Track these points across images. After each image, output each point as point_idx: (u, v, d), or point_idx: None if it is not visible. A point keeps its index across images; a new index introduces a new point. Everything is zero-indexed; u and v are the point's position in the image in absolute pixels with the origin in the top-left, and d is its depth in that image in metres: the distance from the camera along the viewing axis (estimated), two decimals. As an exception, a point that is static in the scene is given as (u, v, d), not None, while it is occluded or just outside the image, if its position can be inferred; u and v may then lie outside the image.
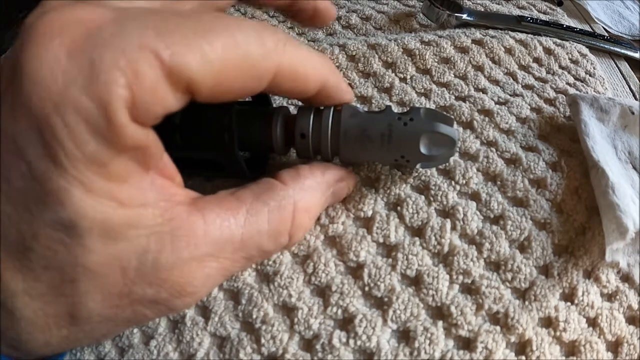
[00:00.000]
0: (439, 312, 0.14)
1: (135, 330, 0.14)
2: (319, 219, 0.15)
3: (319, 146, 0.14)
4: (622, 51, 0.23)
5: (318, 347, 0.13)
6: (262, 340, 0.13)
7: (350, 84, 0.19)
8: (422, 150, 0.14)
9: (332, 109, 0.14)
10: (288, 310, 0.14)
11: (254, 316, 0.14)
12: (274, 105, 0.17)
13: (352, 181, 0.15)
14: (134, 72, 0.08)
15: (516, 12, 0.25)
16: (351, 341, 0.13)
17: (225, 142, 0.14)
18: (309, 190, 0.13)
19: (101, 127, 0.08)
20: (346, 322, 0.13)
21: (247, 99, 0.18)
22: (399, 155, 0.14)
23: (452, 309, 0.14)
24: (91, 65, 0.08)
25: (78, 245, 0.09)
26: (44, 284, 0.09)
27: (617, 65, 0.23)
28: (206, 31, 0.09)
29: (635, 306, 0.14)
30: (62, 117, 0.08)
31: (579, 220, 0.15)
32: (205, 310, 0.14)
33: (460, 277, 0.14)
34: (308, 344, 0.13)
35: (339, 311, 0.14)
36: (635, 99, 0.21)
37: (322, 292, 0.14)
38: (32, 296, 0.09)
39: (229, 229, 0.11)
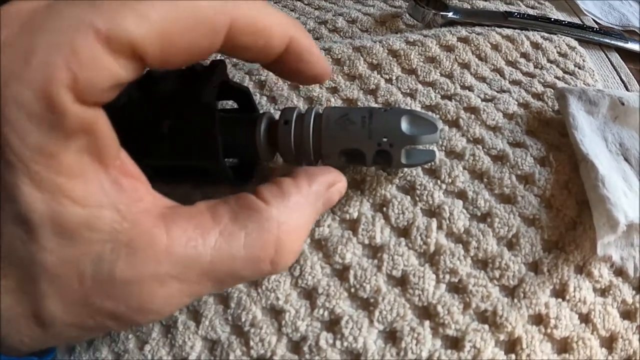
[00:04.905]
0: (426, 312, 0.14)
1: (130, 336, 0.14)
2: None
3: (301, 136, 0.14)
4: (612, 42, 0.23)
5: (306, 348, 0.13)
6: (251, 343, 0.13)
7: (335, 87, 0.20)
8: (404, 129, 0.14)
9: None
10: (276, 313, 0.14)
11: (243, 319, 0.14)
12: (260, 112, 0.17)
13: (342, 183, 0.14)
14: (69, 48, 0.08)
15: (503, 8, 0.25)
16: (338, 342, 0.13)
17: (209, 148, 0.14)
18: (295, 207, 0.11)
19: (42, 114, 0.08)
20: (333, 324, 0.14)
21: (233, 106, 0.18)
22: (382, 138, 0.14)
23: (439, 308, 0.14)
24: (25, 53, 0.08)
25: (33, 241, 0.09)
26: (13, 281, 0.09)
27: (607, 57, 0.23)
28: None
29: (630, 300, 0.14)
30: (3, 114, 0.08)
31: (569, 214, 0.15)
32: (196, 315, 0.14)
33: (447, 277, 0.14)
34: (296, 346, 0.13)
35: (326, 313, 0.14)
36: (627, 89, 0.21)
37: (309, 294, 0.14)
38: (6, 292, 0.09)
39: (195, 249, 0.10)
